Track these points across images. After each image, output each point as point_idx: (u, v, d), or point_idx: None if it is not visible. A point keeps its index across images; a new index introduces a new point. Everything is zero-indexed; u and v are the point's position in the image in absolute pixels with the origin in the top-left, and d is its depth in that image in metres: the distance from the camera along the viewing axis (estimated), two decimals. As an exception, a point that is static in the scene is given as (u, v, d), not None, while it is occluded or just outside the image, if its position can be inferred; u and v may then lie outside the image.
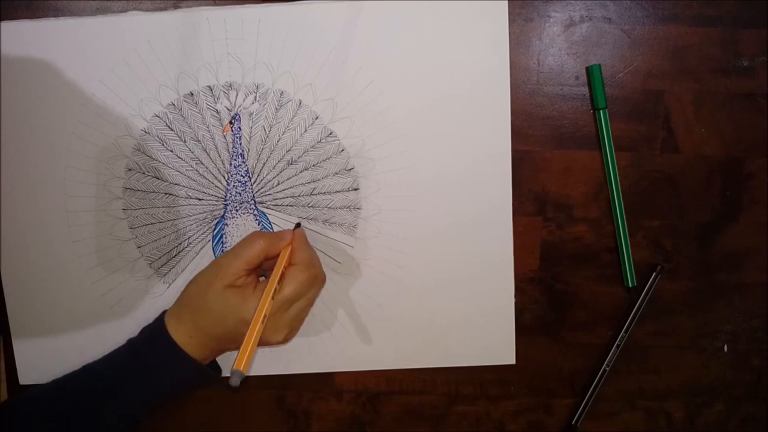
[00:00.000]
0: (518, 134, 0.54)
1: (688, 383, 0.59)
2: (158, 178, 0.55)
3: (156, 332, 0.50)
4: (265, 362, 0.58)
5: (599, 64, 0.53)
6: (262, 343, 0.50)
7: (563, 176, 0.55)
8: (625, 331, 0.57)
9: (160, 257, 0.56)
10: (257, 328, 0.47)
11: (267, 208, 0.55)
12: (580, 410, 0.58)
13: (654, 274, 0.56)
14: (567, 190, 0.56)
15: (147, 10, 0.53)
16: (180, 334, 0.49)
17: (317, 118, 0.53)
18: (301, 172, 0.54)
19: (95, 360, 0.52)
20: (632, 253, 0.56)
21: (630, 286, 0.56)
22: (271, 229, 0.55)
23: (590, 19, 0.54)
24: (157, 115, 0.54)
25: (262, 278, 0.53)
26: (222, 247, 0.56)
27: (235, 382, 0.45)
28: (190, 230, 0.56)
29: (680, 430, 0.59)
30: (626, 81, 0.54)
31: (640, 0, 0.53)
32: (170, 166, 0.55)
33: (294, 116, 0.53)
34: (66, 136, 0.54)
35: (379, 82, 0.53)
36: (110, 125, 0.54)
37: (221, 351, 0.52)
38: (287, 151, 0.54)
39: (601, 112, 0.54)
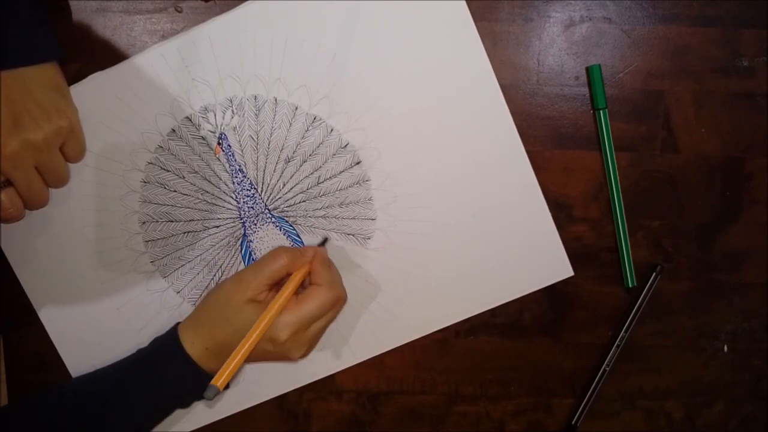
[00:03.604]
0: (518, 134, 0.54)
1: (688, 383, 0.59)
2: (172, 221, 0.55)
3: (169, 345, 0.50)
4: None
5: (599, 64, 0.53)
6: (281, 359, 0.50)
7: (563, 176, 0.55)
8: (625, 331, 0.57)
9: (201, 295, 0.56)
10: (248, 344, 0.47)
11: (282, 212, 0.55)
12: (580, 410, 0.58)
13: (654, 274, 0.56)
14: (567, 190, 0.56)
15: (147, 10, 0.53)
16: (197, 346, 0.49)
17: (297, 108, 0.53)
18: (301, 165, 0.54)
19: (106, 365, 0.53)
20: (632, 253, 0.56)
21: (630, 286, 0.56)
22: (295, 232, 0.55)
23: (590, 19, 0.54)
24: (150, 162, 0.54)
25: None
26: None
27: (209, 396, 0.45)
28: (219, 259, 0.56)
29: (680, 430, 0.59)
30: (626, 81, 0.54)
31: (640, 0, 0.53)
32: (179, 205, 0.55)
33: (275, 115, 0.54)
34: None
35: (342, 57, 0.53)
36: (110, 188, 0.54)
37: None
38: (281, 150, 0.54)
39: (601, 112, 0.54)
